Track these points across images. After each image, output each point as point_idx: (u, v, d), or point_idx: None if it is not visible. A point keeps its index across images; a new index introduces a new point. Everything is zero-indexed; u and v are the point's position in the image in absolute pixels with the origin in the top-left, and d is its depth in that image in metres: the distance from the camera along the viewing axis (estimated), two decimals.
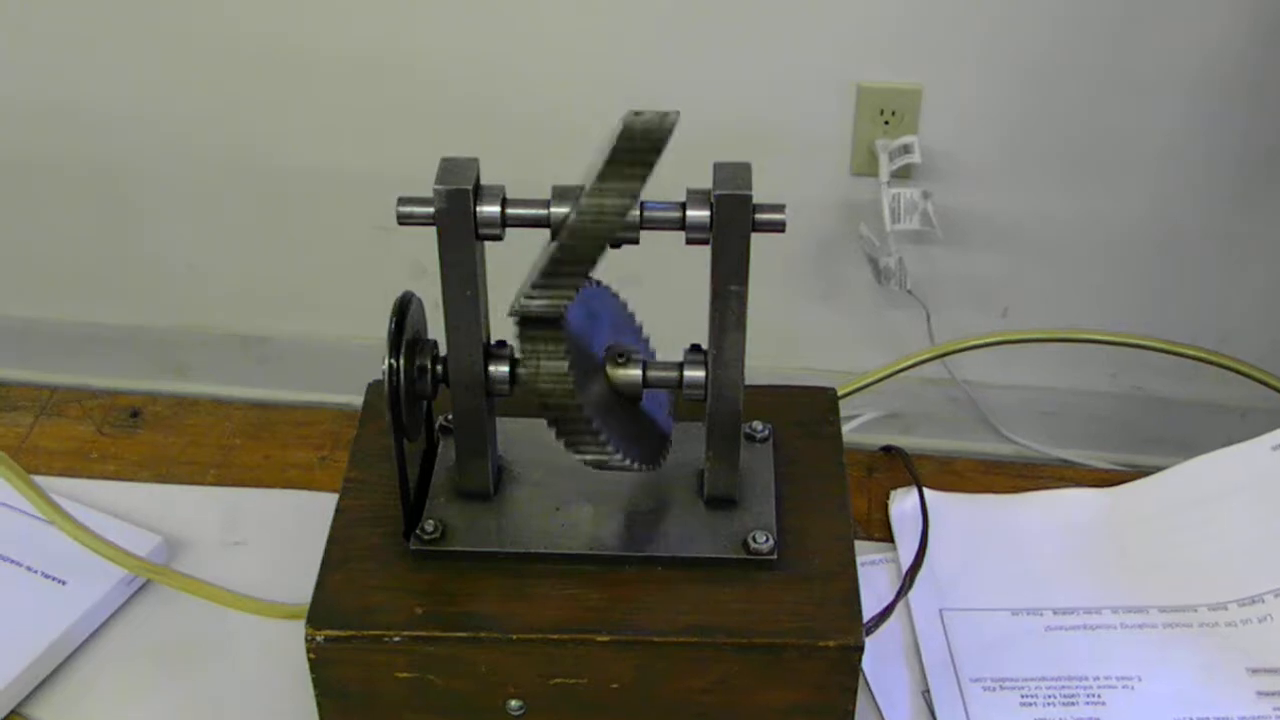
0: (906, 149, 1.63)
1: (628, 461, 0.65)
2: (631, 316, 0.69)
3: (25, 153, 1.79)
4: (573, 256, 0.60)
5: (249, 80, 1.69)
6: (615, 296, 0.68)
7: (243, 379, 1.88)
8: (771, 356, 1.57)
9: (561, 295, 0.61)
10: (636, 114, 0.59)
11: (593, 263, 0.61)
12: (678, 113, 0.60)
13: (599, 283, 0.67)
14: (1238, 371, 0.90)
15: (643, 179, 0.59)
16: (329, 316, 1.84)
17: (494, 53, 1.64)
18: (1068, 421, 1.80)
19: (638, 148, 0.59)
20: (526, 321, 0.62)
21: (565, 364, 0.62)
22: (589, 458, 0.64)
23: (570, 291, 0.61)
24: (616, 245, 0.64)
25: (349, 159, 1.72)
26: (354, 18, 1.64)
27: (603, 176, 0.59)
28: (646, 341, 0.69)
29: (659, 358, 0.68)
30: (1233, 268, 1.71)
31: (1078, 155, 1.65)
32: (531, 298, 0.61)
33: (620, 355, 0.66)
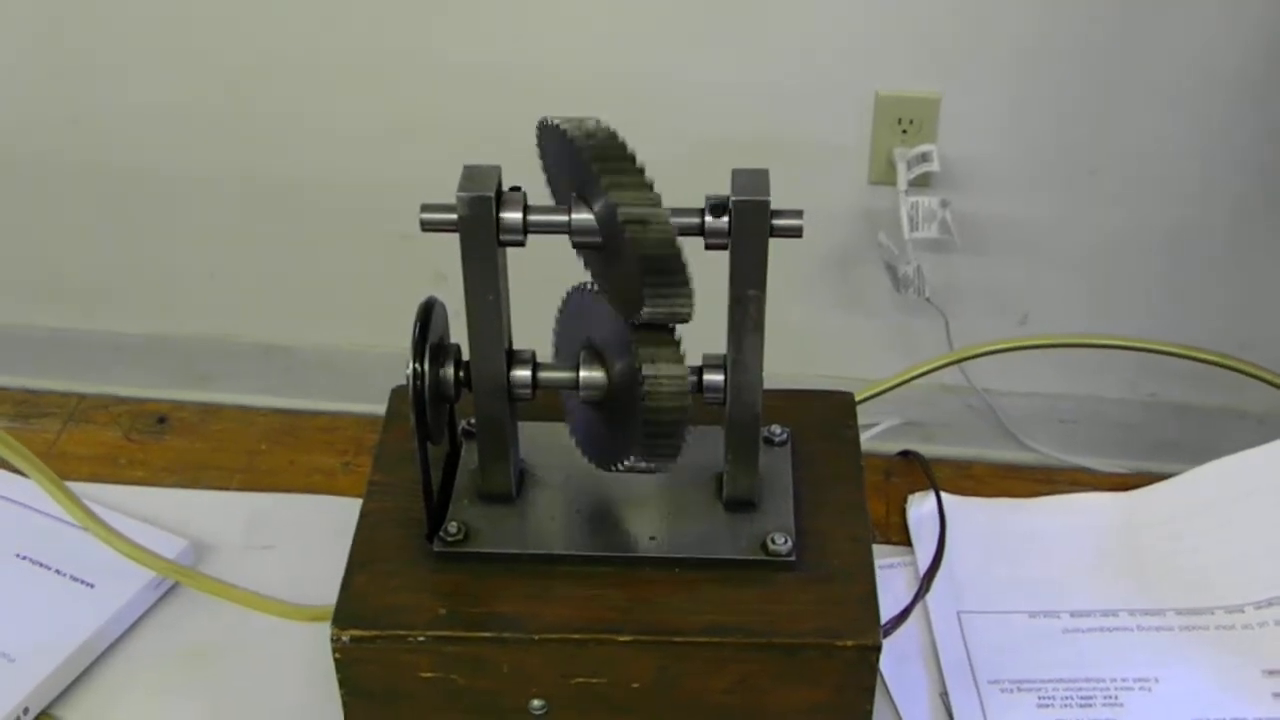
0: (925, 157, 1.63)
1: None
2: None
3: (50, 164, 1.81)
4: (663, 253, 0.61)
5: (272, 89, 1.71)
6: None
7: (266, 388, 1.89)
8: (791, 364, 1.58)
9: (679, 297, 0.61)
10: (567, 125, 0.60)
11: (680, 259, 0.61)
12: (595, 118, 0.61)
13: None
14: (1257, 377, 0.90)
15: (641, 174, 0.60)
16: (351, 325, 1.85)
17: (515, 62, 1.65)
18: (1087, 429, 1.80)
19: (615, 153, 0.60)
20: (641, 328, 0.63)
21: (684, 369, 0.63)
22: (671, 462, 0.65)
23: (685, 290, 0.61)
24: None
25: (370, 168, 1.73)
26: (376, 26, 1.65)
27: (618, 183, 0.60)
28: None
29: None
30: (1251, 274, 1.71)
31: (1095, 162, 1.65)
32: (652, 304, 0.61)
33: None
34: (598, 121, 0.61)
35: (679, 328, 0.66)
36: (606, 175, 0.60)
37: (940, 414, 1.80)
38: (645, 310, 0.62)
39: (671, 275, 0.61)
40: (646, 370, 0.62)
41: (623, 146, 0.61)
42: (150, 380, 1.87)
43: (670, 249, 0.60)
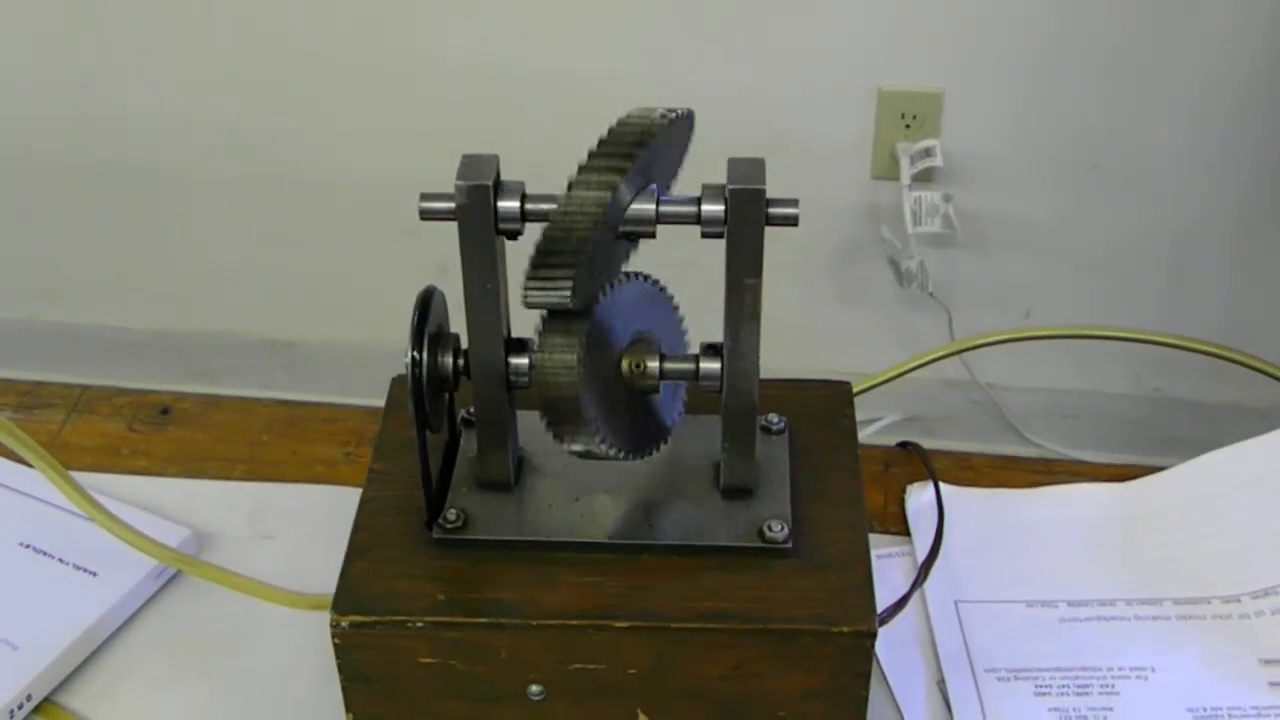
0: (928, 152, 1.64)
1: (613, 451, 0.66)
2: (674, 310, 0.70)
3: (56, 160, 1.81)
4: (556, 248, 0.61)
5: (275, 87, 1.71)
6: (662, 291, 0.69)
7: (269, 383, 1.89)
8: (794, 359, 1.57)
9: (554, 287, 0.62)
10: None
11: (578, 253, 0.61)
12: (677, 111, 0.62)
13: (647, 276, 0.68)
14: (1260, 370, 0.90)
15: (621, 171, 0.61)
16: (354, 320, 1.86)
17: (517, 58, 1.65)
18: (1089, 424, 1.81)
19: (622, 140, 0.60)
20: (550, 313, 0.63)
21: (574, 356, 0.63)
22: (576, 448, 0.65)
23: (563, 283, 0.62)
24: (633, 240, 0.65)
25: (373, 164, 1.74)
26: (379, 25, 1.66)
27: (584, 169, 0.61)
28: (684, 334, 0.71)
29: None
30: (1255, 269, 1.71)
31: (1097, 157, 1.65)
32: (528, 289, 0.62)
33: (640, 346, 0.67)
34: (654, 115, 0.61)
35: (684, 316, 0.69)
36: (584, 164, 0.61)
37: (942, 409, 1.80)
38: (526, 292, 0.62)
39: (548, 264, 0.62)
40: (535, 354, 0.64)
41: (625, 141, 0.61)
42: (152, 376, 1.87)
43: (557, 239, 0.61)
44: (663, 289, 0.69)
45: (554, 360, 0.63)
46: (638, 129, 0.61)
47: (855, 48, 1.62)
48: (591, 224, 0.61)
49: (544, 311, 0.64)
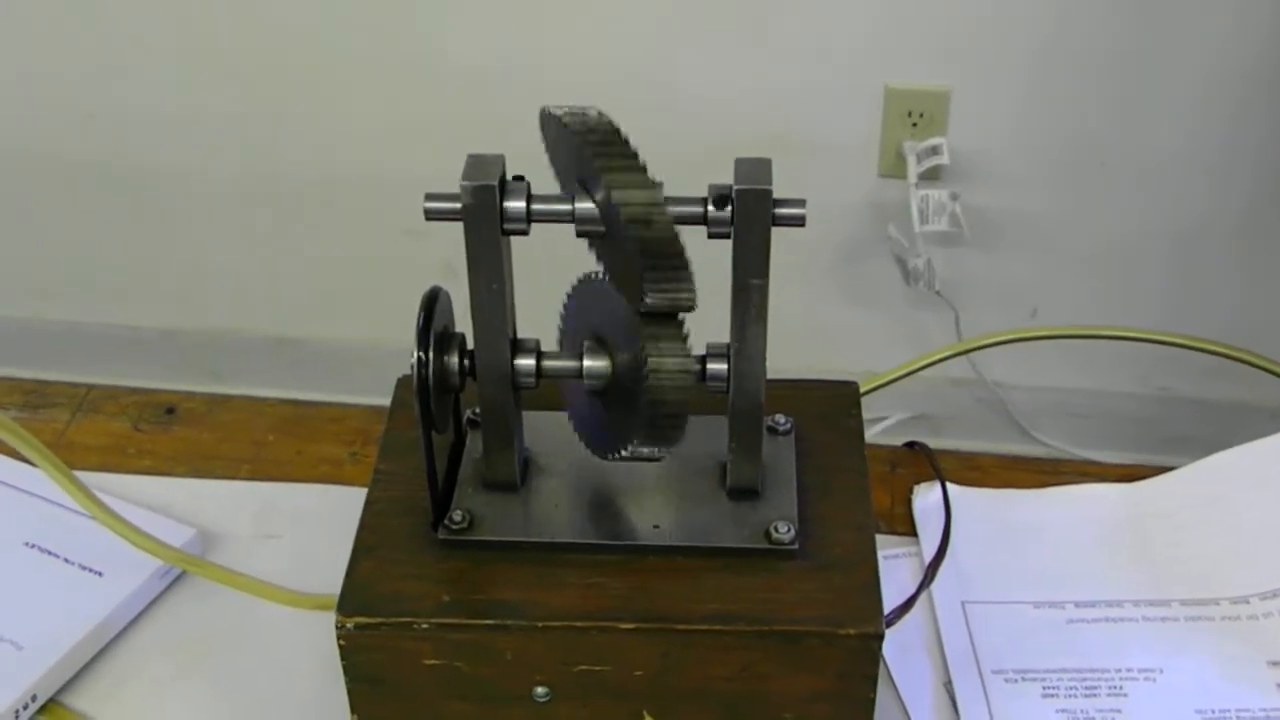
0: (935, 150, 1.63)
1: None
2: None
3: (62, 159, 1.81)
4: (664, 249, 0.61)
5: (282, 85, 1.71)
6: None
7: (275, 382, 1.89)
8: (800, 358, 1.57)
9: (678, 289, 0.61)
10: (566, 115, 0.61)
11: (683, 252, 0.61)
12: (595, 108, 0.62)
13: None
14: (1267, 370, 0.90)
15: (645, 169, 0.60)
16: (360, 320, 1.86)
17: (522, 57, 1.65)
18: (1097, 423, 1.80)
19: (616, 139, 0.60)
20: (644, 315, 0.63)
21: (691, 360, 0.63)
22: (652, 452, 0.66)
23: (686, 283, 0.61)
24: None
25: (379, 163, 1.73)
26: (384, 23, 1.66)
27: (613, 169, 0.60)
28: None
29: None
30: (1262, 267, 1.71)
31: (1104, 156, 1.65)
32: (651, 292, 0.62)
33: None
34: (599, 113, 0.61)
35: (685, 316, 0.66)
36: (604, 166, 0.60)
37: (949, 408, 1.80)
38: (647, 299, 0.62)
39: (671, 265, 0.61)
40: (651, 355, 0.63)
41: (618, 134, 0.61)
42: (159, 375, 1.87)
43: (669, 239, 0.61)
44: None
45: (670, 365, 0.63)
46: (612, 130, 0.61)
47: (862, 45, 1.61)
48: (672, 219, 0.60)
49: (635, 312, 0.63)
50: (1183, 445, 1.67)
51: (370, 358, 1.85)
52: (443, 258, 1.44)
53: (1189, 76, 1.59)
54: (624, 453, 0.66)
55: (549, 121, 0.63)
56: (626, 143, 0.61)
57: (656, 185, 0.61)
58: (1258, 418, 1.62)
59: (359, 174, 1.75)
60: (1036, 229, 1.71)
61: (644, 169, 0.61)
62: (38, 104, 1.78)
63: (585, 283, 0.68)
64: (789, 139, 1.64)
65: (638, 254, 0.61)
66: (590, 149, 0.60)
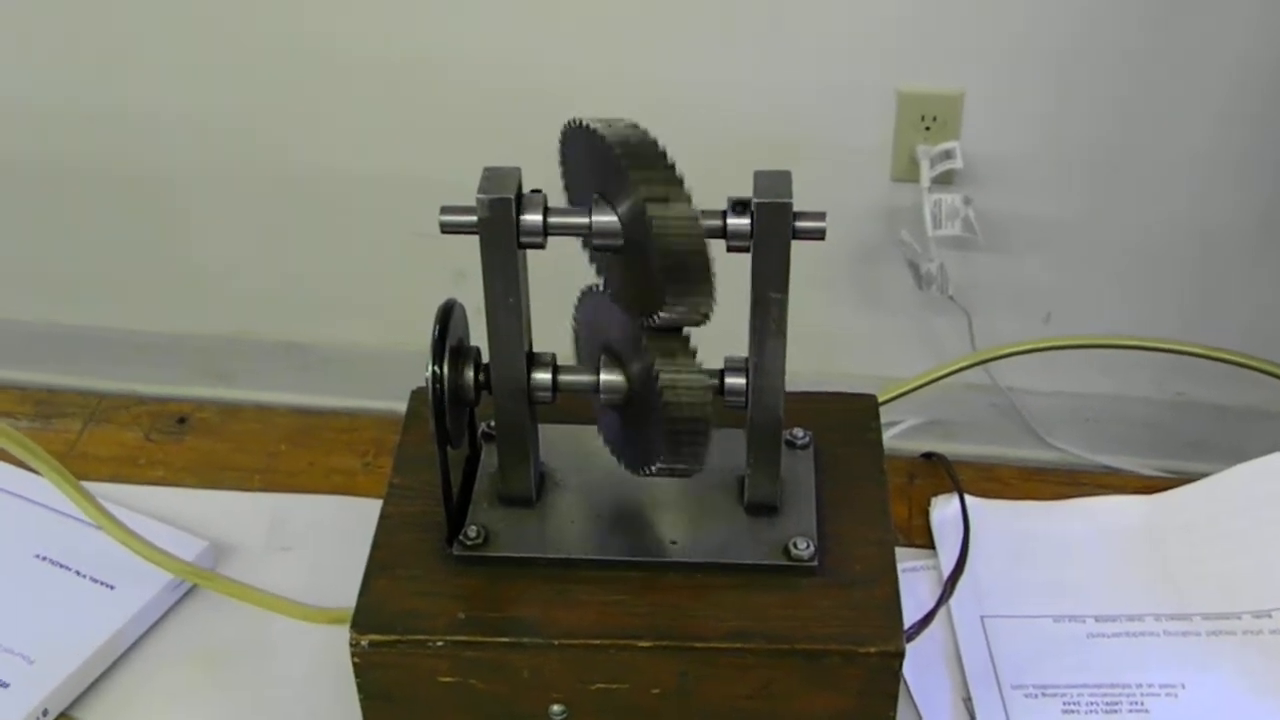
0: (948, 154, 1.63)
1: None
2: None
3: (70, 162, 1.81)
4: (687, 263, 0.60)
5: (291, 88, 1.71)
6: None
7: (286, 386, 1.89)
8: (812, 363, 1.57)
9: (696, 305, 0.61)
10: (599, 125, 0.60)
11: (710, 268, 0.61)
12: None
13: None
14: None
15: (681, 183, 0.60)
16: (371, 323, 1.86)
17: (534, 60, 1.65)
18: (1111, 428, 1.79)
19: (650, 152, 0.59)
20: (654, 330, 0.63)
21: (707, 375, 0.63)
22: (695, 468, 0.65)
23: (705, 300, 0.61)
24: None
25: (390, 166, 1.73)
26: (394, 24, 1.65)
27: (646, 182, 0.59)
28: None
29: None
30: (1278, 271, 1.70)
31: (1119, 160, 1.64)
32: (670, 308, 0.61)
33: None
34: (634, 125, 0.61)
35: (703, 329, 0.66)
36: (639, 175, 0.59)
37: (964, 412, 1.79)
38: (663, 311, 0.61)
39: (696, 279, 0.61)
40: (664, 374, 0.62)
41: (655, 146, 0.60)
42: (170, 379, 1.87)
43: (699, 249, 0.60)
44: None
45: (685, 381, 0.62)
46: (647, 140, 0.60)
47: (874, 49, 1.61)
48: (703, 234, 0.60)
49: (641, 327, 0.62)
50: (1200, 451, 1.67)
51: (382, 361, 1.85)
52: (454, 261, 1.44)
53: (1204, 81, 1.58)
54: (651, 470, 0.65)
55: (575, 133, 0.63)
56: (664, 155, 0.60)
57: (687, 193, 0.60)
58: (1275, 424, 1.61)
59: (370, 177, 1.75)
60: (1050, 233, 1.70)
61: (681, 182, 0.60)
62: (47, 108, 1.77)
63: (589, 296, 0.68)
64: (801, 143, 1.63)
65: (666, 268, 0.60)
66: (624, 157, 0.60)
